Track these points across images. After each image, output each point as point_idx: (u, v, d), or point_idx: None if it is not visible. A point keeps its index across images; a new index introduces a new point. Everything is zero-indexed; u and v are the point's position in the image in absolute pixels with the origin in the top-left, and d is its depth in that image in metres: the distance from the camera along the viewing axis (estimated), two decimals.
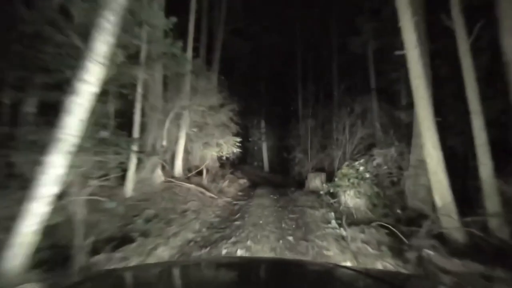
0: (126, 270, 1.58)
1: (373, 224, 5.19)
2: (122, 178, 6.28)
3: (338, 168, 9.23)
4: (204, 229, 5.18)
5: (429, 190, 7.15)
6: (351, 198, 6.66)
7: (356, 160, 7.10)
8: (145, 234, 4.67)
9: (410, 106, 10.29)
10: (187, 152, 10.32)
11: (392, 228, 4.86)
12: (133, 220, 5.34)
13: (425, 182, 7.13)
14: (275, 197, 8.53)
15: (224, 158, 11.79)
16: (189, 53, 8.71)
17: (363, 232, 4.84)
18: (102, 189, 6.12)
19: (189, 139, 9.85)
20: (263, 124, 20.98)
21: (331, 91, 12.22)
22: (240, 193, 9.21)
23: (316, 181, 8.99)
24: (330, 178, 9.37)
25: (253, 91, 20.05)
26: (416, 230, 5.20)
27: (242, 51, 18.44)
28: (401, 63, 11.79)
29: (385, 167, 6.82)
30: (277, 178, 15.66)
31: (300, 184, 10.66)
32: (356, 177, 6.63)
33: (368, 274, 1.31)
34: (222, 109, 10.59)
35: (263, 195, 8.77)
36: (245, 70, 19.45)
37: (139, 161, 6.56)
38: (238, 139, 10.99)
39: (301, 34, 16.34)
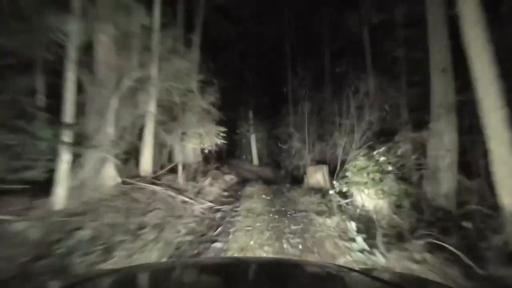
0: (126, 270, 1.34)
1: (419, 241, 3.34)
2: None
3: (343, 160, 7.38)
4: (163, 261, 3.18)
5: (453, 186, 5.47)
6: (371, 199, 4.81)
7: (374, 148, 5.22)
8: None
9: (418, 84, 8.53)
10: (160, 145, 8.20)
11: (455, 250, 3.02)
12: (52, 249, 3.27)
13: (449, 176, 5.44)
14: (269, 198, 6.59)
15: (206, 151, 9.73)
16: (156, 16, 6.54)
17: (412, 259, 2.97)
18: (15, 200, 4.00)
19: (161, 128, 7.74)
20: (251, 115, 18.92)
21: (330, 69, 10.32)
22: (225, 193, 7.21)
23: (317, 176, 7.10)
24: (333, 172, 7.53)
25: (240, 80, 17.96)
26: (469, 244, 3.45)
27: (228, 36, 16.36)
28: (403, 40, 10.12)
29: (414, 156, 5.00)
30: (267, 172, 13.76)
31: (296, 179, 8.77)
32: (378, 171, 4.77)
33: (369, 274, 1.19)
34: (202, 92, 8.50)
35: (253, 195, 6.81)
36: (232, 59, 17.29)
37: (77, 158, 4.43)
38: (222, 129, 8.92)
39: (290, 11, 14.30)
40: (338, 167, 7.48)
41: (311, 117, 8.34)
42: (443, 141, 5.68)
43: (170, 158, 8.43)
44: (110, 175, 5.00)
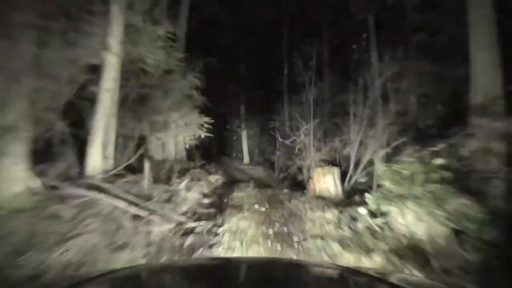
0: (126, 270, 1.28)
1: None
2: None
3: (358, 161, 5.62)
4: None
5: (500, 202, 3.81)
6: (420, 222, 3.04)
7: (426, 147, 3.45)
8: None
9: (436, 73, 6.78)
10: (126, 136, 6.24)
11: None
12: None
13: (496, 189, 3.76)
14: (263, 210, 4.73)
15: (187, 146, 7.84)
16: None
17: None
18: None
19: (127, 113, 5.82)
20: (242, 109, 17.01)
21: (337, 53, 8.52)
22: (205, 201, 5.31)
23: (326, 181, 5.30)
24: (344, 175, 5.77)
25: (232, 71, 16.07)
26: None
27: (220, 22, 14.48)
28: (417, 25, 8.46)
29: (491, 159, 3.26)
30: (259, 172, 11.90)
31: (296, 182, 6.95)
32: (435, 180, 3.00)
33: (369, 274, 1.15)
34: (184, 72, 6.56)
35: (242, 205, 4.92)
36: (224, 47, 15.32)
37: None
38: (207, 119, 7.00)
39: None
40: (351, 169, 5.73)
41: (315, 108, 6.53)
42: (489, 142, 4.01)
43: (143, 154, 6.46)
44: (13, 176, 3.01)
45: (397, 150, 4.69)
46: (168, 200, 4.65)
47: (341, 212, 3.98)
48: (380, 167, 3.83)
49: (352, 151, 5.67)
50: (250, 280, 1.11)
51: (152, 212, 3.82)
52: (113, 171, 4.68)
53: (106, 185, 4.11)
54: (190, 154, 10.59)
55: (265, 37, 15.19)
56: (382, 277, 1.09)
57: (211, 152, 18.45)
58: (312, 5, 12.35)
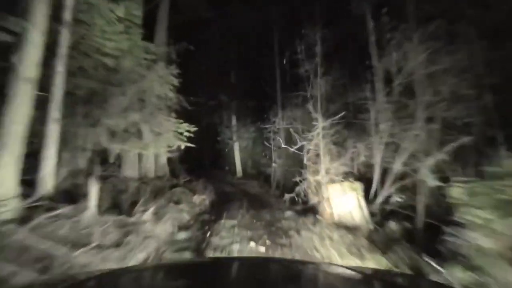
0: (126, 270, 1.29)
1: None
2: None
3: (385, 172, 4.11)
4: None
5: None
6: None
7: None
8: None
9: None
10: (77, 148, 4.63)
11: None
12: None
13: None
14: (262, 250, 3.12)
15: (164, 159, 6.24)
16: None
17: None
18: None
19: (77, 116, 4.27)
20: (234, 120, 15.61)
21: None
22: (180, 237, 3.64)
23: (348, 201, 3.74)
24: (367, 190, 4.24)
25: (223, 82, 14.78)
26: None
27: (208, 29, 13.31)
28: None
29: None
30: (254, 187, 10.29)
31: (301, 199, 5.32)
32: None
33: (368, 273, 1.14)
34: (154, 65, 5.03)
35: (232, 243, 3.29)
36: (212, 56, 14.00)
37: None
38: (186, 126, 5.41)
39: None
40: (376, 183, 4.20)
41: (322, 105, 5.02)
42: None
43: (90, 171, 4.78)
44: None
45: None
46: (119, 243, 2.98)
47: (388, 256, 2.40)
48: (453, 184, 2.32)
49: (376, 158, 4.17)
50: (249, 280, 1.05)
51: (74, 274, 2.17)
52: (32, 200, 3.01)
53: (6, 227, 2.46)
54: (174, 169, 8.96)
55: (258, 39, 13.98)
56: (383, 277, 1.07)
57: (203, 165, 16.83)
58: (306, 4, 11.27)
